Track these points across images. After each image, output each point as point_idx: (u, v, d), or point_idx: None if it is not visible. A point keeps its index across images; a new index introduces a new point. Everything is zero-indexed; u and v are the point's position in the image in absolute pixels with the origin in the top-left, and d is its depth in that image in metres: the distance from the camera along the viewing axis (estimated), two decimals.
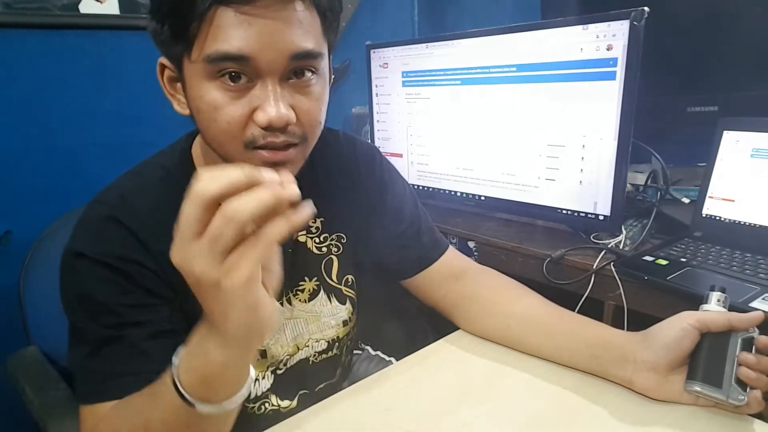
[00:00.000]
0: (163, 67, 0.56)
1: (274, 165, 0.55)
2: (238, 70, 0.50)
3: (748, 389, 0.54)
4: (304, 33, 0.51)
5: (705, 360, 0.55)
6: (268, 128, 0.52)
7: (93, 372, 0.54)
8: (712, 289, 0.59)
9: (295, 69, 0.52)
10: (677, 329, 0.57)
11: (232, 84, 0.50)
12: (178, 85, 0.56)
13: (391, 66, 1.29)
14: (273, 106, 0.50)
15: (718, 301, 0.58)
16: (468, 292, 0.75)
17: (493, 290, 0.74)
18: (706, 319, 0.56)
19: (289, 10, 0.49)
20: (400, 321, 1.10)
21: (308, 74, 0.53)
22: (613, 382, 0.62)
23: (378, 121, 1.37)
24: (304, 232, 0.70)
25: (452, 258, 0.79)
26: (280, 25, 0.49)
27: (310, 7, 0.51)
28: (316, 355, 0.72)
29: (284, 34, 0.49)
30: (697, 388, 0.55)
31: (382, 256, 0.78)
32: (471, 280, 0.76)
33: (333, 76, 0.63)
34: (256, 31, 0.48)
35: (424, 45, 1.20)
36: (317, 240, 0.72)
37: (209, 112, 0.52)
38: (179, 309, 0.58)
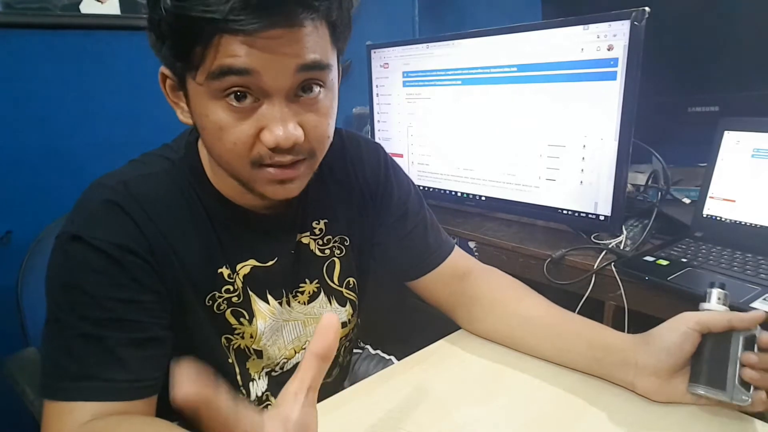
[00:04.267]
0: (165, 76, 0.55)
1: (282, 182, 0.54)
2: (243, 89, 0.49)
3: (751, 389, 0.53)
4: (313, 45, 0.49)
5: (707, 362, 0.55)
6: (276, 149, 0.51)
7: (64, 368, 0.51)
8: (712, 286, 0.59)
9: (303, 84, 0.51)
10: (678, 333, 0.57)
11: (237, 104, 0.49)
12: (181, 93, 0.54)
13: (391, 66, 1.29)
14: (280, 126, 0.49)
15: (719, 299, 0.58)
16: (471, 292, 0.75)
17: (495, 290, 0.74)
18: (707, 320, 0.56)
19: (296, 32, 0.47)
20: (400, 320, 1.10)
21: (316, 89, 0.52)
22: (615, 383, 0.62)
23: (378, 121, 1.37)
24: (308, 234, 0.69)
25: (457, 258, 0.78)
26: (287, 42, 0.47)
27: (319, 22, 0.49)
28: None
29: (290, 50, 0.48)
30: (701, 392, 0.55)
31: (388, 257, 0.77)
32: (474, 279, 0.75)
33: (341, 73, 0.61)
34: (261, 47, 0.47)
35: (424, 45, 1.20)
36: (320, 242, 0.70)
37: (214, 132, 0.51)
38: (168, 309, 0.57)
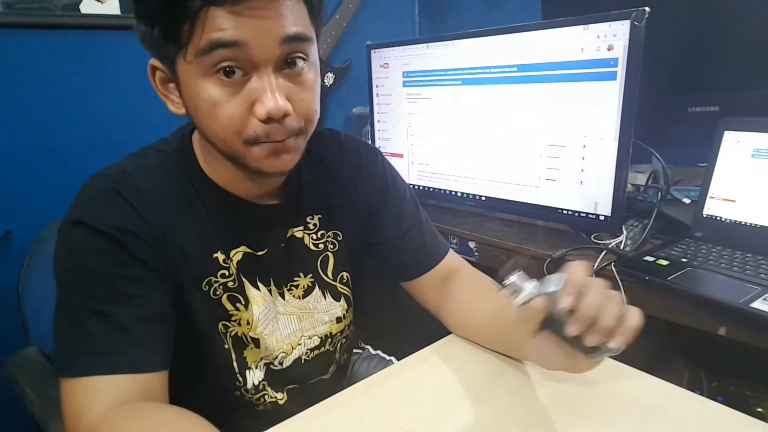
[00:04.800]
0: (155, 68, 0.57)
1: (277, 154, 0.56)
2: (231, 63, 0.51)
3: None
4: (294, 19, 0.52)
5: (568, 340, 0.49)
6: (268, 120, 0.53)
7: (79, 346, 0.53)
8: (504, 281, 0.50)
9: (288, 57, 0.53)
10: (532, 349, 0.53)
11: (227, 79, 0.51)
12: (171, 85, 0.56)
13: (391, 66, 1.29)
14: (270, 98, 0.52)
15: (515, 292, 0.50)
16: (448, 293, 0.75)
17: (468, 290, 0.74)
18: (526, 324, 0.51)
19: (277, 2, 0.50)
20: (400, 320, 1.10)
21: (300, 63, 0.54)
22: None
23: (378, 121, 1.37)
24: (301, 228, 0.70)
25: (451, 260, 0.79)
26: (271, 13, 0.50)
27: None
28: (308, 352, 0.73)
29: (275, 21, 0.50)
30: (598, 357, 0.49)
31: (384, 257, 0.78)
32: (456, 281, 0.76)
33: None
34: (247, 20, 0.49)
35: (424, 45, 1.20)
36: (314, 236, 0.72)
37: (208, 110, 0.53)
38: (169, 289, 0.59)
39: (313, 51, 0.56)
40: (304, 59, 0.54)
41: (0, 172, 1.26)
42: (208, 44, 0.49)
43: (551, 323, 0.49)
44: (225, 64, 0.50)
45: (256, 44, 0.50)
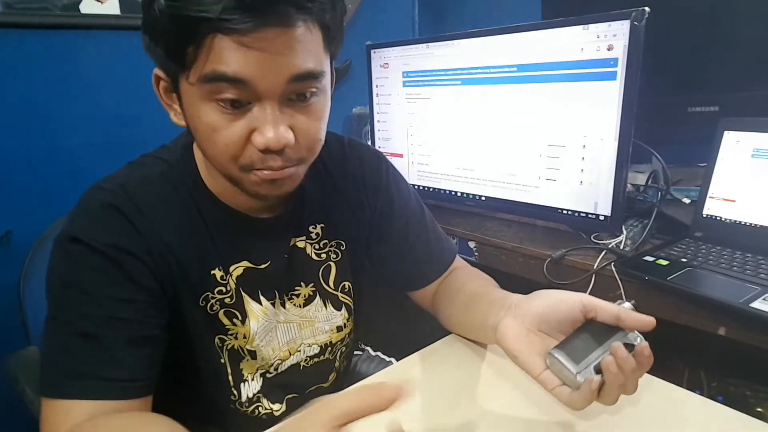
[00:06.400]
0: (159, 78, 0.55)
1: (272, 182, 0.54)
2: (235, 96, 0.48)
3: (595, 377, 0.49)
4: (305, 53, 0.49)
5: (578, 340, 0.52)
6: (266, 151, 0.51)
7: (62, 366, 0.52)
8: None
9: (296, 92, 0.51)
10: (563, 295, 0.54)
11: (229, 108, 0.49)
12: (174, 95, 0.54)
13: (391, 66, 1.29)
14: (271, 129, 0.50)
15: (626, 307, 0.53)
16: (441, 291, 0.75)
17: (458, 286, 0.74)
18: (597, 304, 0.52)
19: (289, 34, 0.47)
20: (400, 321, 1.10)
21: (309, 95, 0.52)
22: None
23: (378, 121, 1.37)
24: (304, 238, 0.69)
25: (455, 266, 0.78)
26: (281, 47, 0.47)
27: (312, 25, 0.49)
28: (308, 359, 0.72)
29: (283, 58, 0.48)
30: (558, 357, 0.50)
31: (389, 267, 0.78)
32: (450, 279, 0.76)
33: (334, 76, 0.62)
34: (254, 55, 0.46)
35: (424, 45, 1.20)
36: (317, 246, 0.70)
37: (206, 133, 0.51)
38: (164, 308, 0.58)
39: (325, 82, 0.53)
40: (314, 93, 0.52)
41: (0, 172, 1.26)
42: (211, 74, 0.47)
43: (600, 329, 0.52)
44: (227, 95, 0.48)
45: (262, 82, 0.47)
